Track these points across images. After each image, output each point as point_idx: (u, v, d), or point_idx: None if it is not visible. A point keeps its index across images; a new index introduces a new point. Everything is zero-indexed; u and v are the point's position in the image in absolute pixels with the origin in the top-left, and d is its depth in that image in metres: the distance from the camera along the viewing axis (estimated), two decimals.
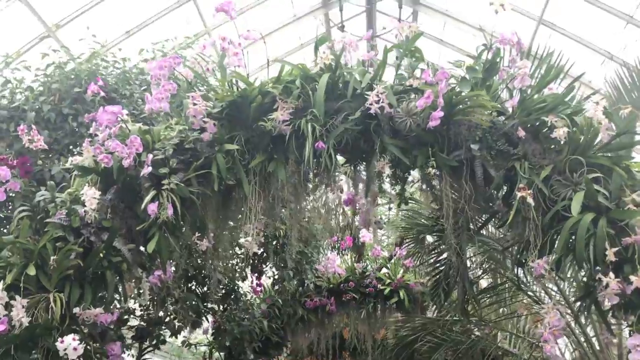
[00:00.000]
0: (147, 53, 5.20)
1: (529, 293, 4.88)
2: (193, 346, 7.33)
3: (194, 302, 5.42)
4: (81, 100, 4.58)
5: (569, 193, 3.16)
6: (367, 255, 8.56)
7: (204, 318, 6.23)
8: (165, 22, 7.67)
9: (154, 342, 5.77)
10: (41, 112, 4.43)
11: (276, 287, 6.67)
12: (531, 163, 3.28)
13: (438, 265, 4.42)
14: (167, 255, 3.37)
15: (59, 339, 2.81)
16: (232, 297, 6.06)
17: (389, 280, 7.28)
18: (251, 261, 6.44)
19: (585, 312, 3.40)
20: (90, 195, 3.12)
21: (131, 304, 5.69)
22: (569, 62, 3.89)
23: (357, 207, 4.52)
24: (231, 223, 3.92)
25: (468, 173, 3.38)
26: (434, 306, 6.83)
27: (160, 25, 7.58)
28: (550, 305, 3.13)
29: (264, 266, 6.63)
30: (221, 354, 6.98)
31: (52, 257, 3.09)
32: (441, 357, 6.72)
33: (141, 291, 3.72)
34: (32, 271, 3.05)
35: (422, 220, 5.11)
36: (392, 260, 7.76)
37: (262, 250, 6.33)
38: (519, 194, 3.12)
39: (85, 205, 3.16)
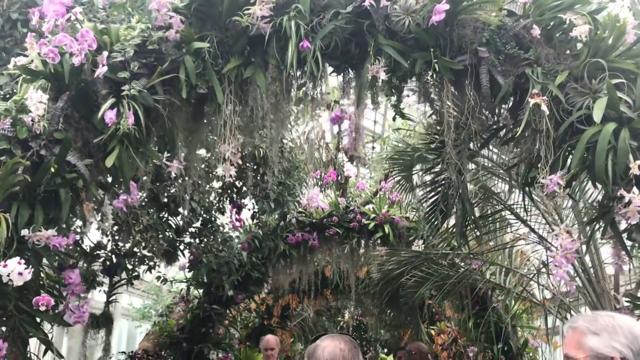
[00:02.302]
0: None
1: (528, 223, 4.58)
2: (170, 283, 6.98)
3: (167, 234, 5.03)
4: (33, 4, 4.03)
5: (587, 102, 2.79)
6: (352, 190, 8.22)
7: (179, 253, 5.86)
8: None
9: (126, 277, 5.42)
10: None
11: (256, 221, 6.29)
12: (544, 69, 2.89)
13: (435, 185, 4.08)
14: (129, 173, 2.96)
15: (2, 263, 2.41)
16: (209, 228, 5.65)
17: (373, 215, 6.95)
18: (229, 195, 6.05)
19: (601, 235, 3.10)
20: (37, 99, 2.67)
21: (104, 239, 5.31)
22: None
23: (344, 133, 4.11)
24: (203, 151, 3.47)
25: (472, 81, 2.99)
26: (421, 241, 6.56)
27: None
28: (563, 227, 2.81)
29: (243, 201, 6.24)
30: (199, 290, 6.67)
31: None
32: (427, 291, 6.51)
33: (104, 216, 3.30)
34: None
35: (417, 144, 4.73)
36: (378, 195, 7.43)
37: (241, 183, 5.94)
38: (531, 101, 2.74)
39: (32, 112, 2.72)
